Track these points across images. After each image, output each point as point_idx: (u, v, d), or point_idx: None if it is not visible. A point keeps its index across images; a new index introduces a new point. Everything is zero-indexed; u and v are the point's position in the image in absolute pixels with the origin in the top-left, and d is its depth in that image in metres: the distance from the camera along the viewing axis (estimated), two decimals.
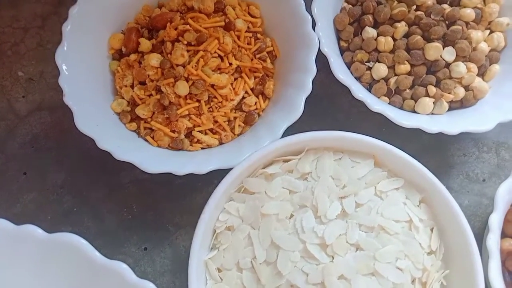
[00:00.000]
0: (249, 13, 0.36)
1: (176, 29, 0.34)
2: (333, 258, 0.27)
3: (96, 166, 0.38)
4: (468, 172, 0.39)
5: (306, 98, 0.32)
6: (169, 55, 0.33)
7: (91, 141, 0.31)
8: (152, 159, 0.31)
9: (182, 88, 0.32)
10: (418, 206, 0.30)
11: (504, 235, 0.33)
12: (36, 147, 0.39)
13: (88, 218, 0.37)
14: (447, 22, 0.36)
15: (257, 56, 0.35)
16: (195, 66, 0.33)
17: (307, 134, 0.30)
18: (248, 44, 0.35)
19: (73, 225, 0.37)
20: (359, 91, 0.32)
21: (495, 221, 0.31)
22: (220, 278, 0.29)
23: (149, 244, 0.37)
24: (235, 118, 0.35)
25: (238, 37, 0.35)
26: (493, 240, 0.30)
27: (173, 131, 0.33)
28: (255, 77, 0.35)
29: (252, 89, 0.35)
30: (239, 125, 0.35)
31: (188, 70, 0.33)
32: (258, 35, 0.36)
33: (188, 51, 0.33)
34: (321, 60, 0.34)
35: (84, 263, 0.22)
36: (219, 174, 0.30)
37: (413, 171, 0.30)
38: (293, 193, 0.30)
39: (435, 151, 0.39)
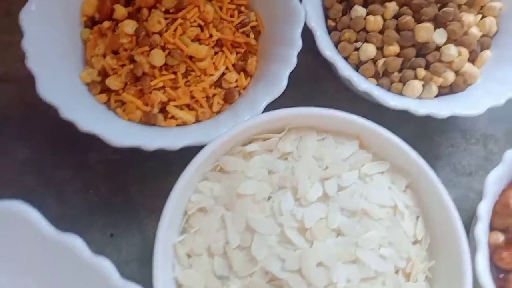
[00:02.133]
0: None
1: None
2: (312, 243, 0.25)
3: (63, 145, 0.35)
4: (455, 164, 0.38)
5: (290, 81, 0.30)
6: (145, 23, 0.31)
7: (58, 118, 0.28)
8: (121, 131, 0.29)
9: (158, 57, 0.30)
10: (404, 191, 0.28)
11: (491, 228, 0.31)
12: None
13: (51, 199, 0.34)
14: (438, 4, 0.34)
15: (240, 30, 0.33)
16: (173, 34, 0.30)
17: (290, 110, 0.28)
18: (231, 16, 0.33)
19: (34, 205, 0.34)
20: (345, 69, 0.31)
21: (484, 210, 0.29)
22: (190, 264, 0.26)
23: (116, 230, 0.34)
24: (214, 94, 0.33)
25: (220, 8, 0.33)
26: (481, 229, 0.28)
27: (146, 104, 0.31)
28: (237, 53, 0.33)
29: (233, 65, 0.33)
30: (218, 102, 0.32)
31: (164, 38, 0.30)
32: (242, 8, 0.34)
33: (166, 19, 0.31)
34: (308, 41, 0.32)
35: (32, 235, 0.20)
36: (194, 156, 0.28)
37: (399, 154, 0.28)
38: (272, 173, 0.27)
39: (422, 141, 0.37)
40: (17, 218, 0.19)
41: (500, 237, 0.30)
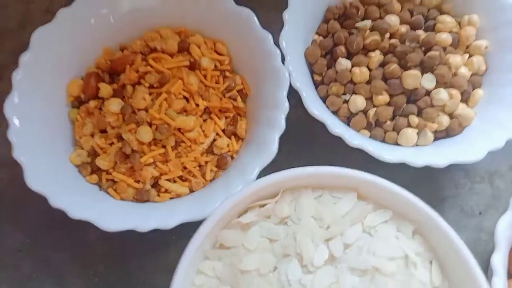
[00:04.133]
0: (215, 51, 0.34)
1: (137, 71, 0.31)
2: None
3: (59, 225, 0.34)
4: (463, 206, 0.36)
5: (284, 137, 0.30)
6: (130, 100, 0.31)
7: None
8: (113, 214, 0.28)
9: (145, 134, 0.30)
10: (412, 238, 0.27)
11: (510, 275, 0.30)
12: None
13: (50, 285, 0.33)
14: (423, 48, 0.34)
15: (227, 95, 0.33)
16: (159, 109, 0.30)
17: (280, 173, 0.27)
18: (216, 83, 0.33)
19: None
20: (335, 126, 0.30)
21: (499, 261, 0.28)
22: None
23: None
24: (206, 162, 0.32)
25: (205, 76, 0.32)
26: (499, 284, 0.27)
27: (138, 182, 0.30)
28: (226, 117, 0.33)
29: (223, 130, 0.33)
30: (211, 170, 0.32)
31: (150, 114, 0.30)
32: (227, 73, 0.34)
33: (150, 94, 0.31)
34: (297, 95, 0.31)
35: None
36: (193, 225, 0.27)
37: (401, 202, 0.27)
38: (274, 242, 0.26)
39: (425, 184, 0.36)
40: None
41: None
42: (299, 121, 0.37)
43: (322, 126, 0.38)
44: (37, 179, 0.28)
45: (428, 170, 0.38)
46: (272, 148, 0.29)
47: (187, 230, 0.30)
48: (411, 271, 0.25)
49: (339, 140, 0.37)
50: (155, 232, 0.34)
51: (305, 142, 0.38)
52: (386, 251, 0.26)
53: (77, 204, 0.28)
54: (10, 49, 0.42)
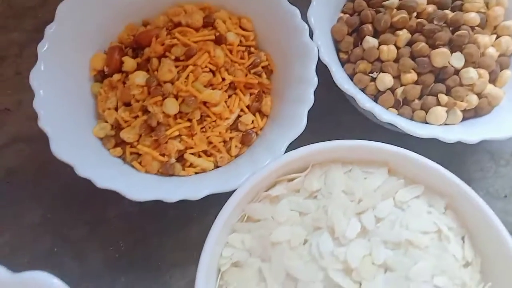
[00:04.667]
0: (240, 27, 0.34)
1: (163, 44, 0.31)
2: (360, 284, 0.23)
3: (78, 201, 0.34)
4: (488, 188, 0.36)
5: (308, 116, 0.29)
6: (155, 72, 0.30)
7: (72, 174, 0.27)
8: (139, 185, 0.28)
9: (171, 106, 0.29)
10: (444, 213, 0.26)
11: None
12: (11, 182, 0.35)
13: (70, 259, 0.33)
14: (451, 28, 0.33)
15: (252, 71, 0.33)
16: (185, 81, 0.30)
17: (311, 146, 0.27)
18: (241, 58, 0.33)
19: (53, 268, 0.32)
20: (366, 101, 0.30)
21: None
22: None
23: (139, 286, 0.32)
24: (231, 138, 0.32)
25: (231, 51, 0.32)
26: None
27: (163, 155, 0.30)
28: (250, 94, 0.33)
29: (248, 107, 0.32)
30: (235, 146, 0.31)
31: (177, 86, 0.30)
32: (252, 49, 0.33)
33: (176, 66, 0.30)
34: (321, 75, 0.31)
35: None
36: (216, 203, 0.26)
37: (434, 177, 0.26)
38: (304, 215, 0.26)
39: (449, 167, 0.36)
40: None
41: None
42: (322, 101, 0.36)
43: (345, 107, 0.38)
44: (63, 149, 0.28)
45: (453, 154, 0.37)
46: (301, 123, 0.29)
47: (209, 207, 0.30)
48: (445, 245, 0.25)
49: (362, 120, 0.37)
50: (176, 209, 0.34)
51: (328, 122, 0.37)
52: (419, 225, 0.25)
53: (103, 174, 0.27)
54: (30, 28, 0.42)
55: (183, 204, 0.33)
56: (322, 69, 0.31)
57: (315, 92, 0.30)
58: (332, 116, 0.37)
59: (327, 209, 0.25)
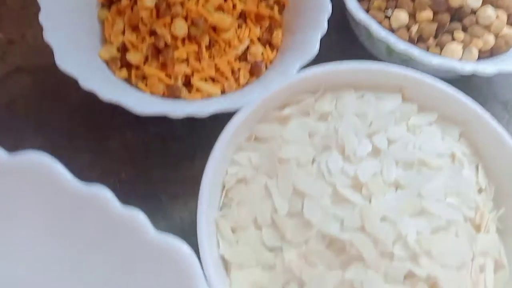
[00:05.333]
0: None
1: None
2: (370, 199, 0.22)
3: (80, 131, 0.33)
4: None
5: (315, 59, 0.28)
6: None
7: (75, 103, 0.26)
8: (144, 100, 0.27)
9: (180, 26, 0.29)
10: (458, 141, 0.26)
11: None
12: (13, 110, 0.34)
13: None
14: None
15: (264, 2, 0.32)
16: (196, 3, 0.29)
17: (325, 66, 0.26)
18: None
19: None
20: (380, 30, 0.29)
21: None
22: (236, 239, 0.23)
23: None
24: (239, 68, 0.31)
25: None
26: None
27: (169, 77, 0.29)
28: (261, 26, 0.32)
29: (258, 39, 0.31)
30: (244, 76, 0.30)
31: (187, 7, 0.29)
32: None
33: None
34: (332, 19, 0.30)
35: (55, 190, 0.17)
36: (220, 139, 0.25)
37: (448, 101, 0.26)
38: (314, 135, 0.25)
39: None
40: (37, 172, 0.17)
41: None
42: (334, 47, 0.35)
43: (356, 50, 0.37)
44: (67, 61, 0.27)
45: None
46: (313, 47, 0.28)
47: (213, 143, 0.29)
48: (459, 169, 0.24)
49: (377, 46, 0.35)
50: (179, 143, 0.33)
51: (342, 49, 0.36)
52: (433, 147, 0.24)
53: (107, 88, 0.26)
54: None
55: (186, 139, 0.32)
56: (335, 15, 0.30)
57: (324, 37, 0.29)
58: (345, 46, 0.36)
59: (338, 129, 0.25)
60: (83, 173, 0.32)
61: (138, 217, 0.17)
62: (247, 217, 0.23)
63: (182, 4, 0.29)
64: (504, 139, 0.24)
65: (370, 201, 0.22)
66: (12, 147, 0.33)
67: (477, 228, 0.23)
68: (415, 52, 0.28)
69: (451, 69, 0.28)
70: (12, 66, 0.36)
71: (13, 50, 0.37)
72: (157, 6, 0.30)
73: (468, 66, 0.28)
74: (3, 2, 0.39)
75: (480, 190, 0.24)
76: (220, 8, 0.30)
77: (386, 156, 0.24)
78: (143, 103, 0.26)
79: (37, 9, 0.38)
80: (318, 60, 0.29)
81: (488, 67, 0.28)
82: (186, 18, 0.29)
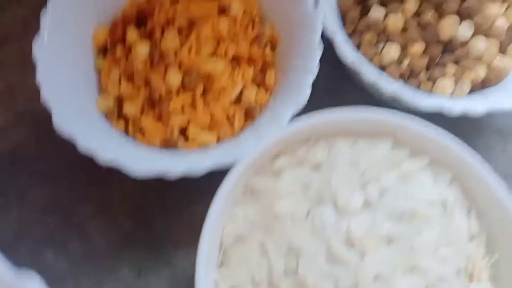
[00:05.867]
0: None
1: (167, 14, 0.31)
2: (364, 255, 0.23)
3: (82, 181, 0.34)
4: (495, 167, 0.35)
5: (312, 95, 0.29)
6: (159, 43, 0.30)
7: (76, 154, 0.27)
8: (141, 159, 0.27)
9: (174, 76, 0.29)
10: (449, 186, 0.26)
11: None
12: (15, 160, 0.35)
13: (74, 239, 0.33)
14: None
15: (256, 43, 0.32)
16: (189, 52, 0.30)
17: (317, 115, 0.26)
18: (245, 30, 0.32)
19: (57, 248, 0.32)
20: (371, 73, 0.29)
21: None
22: None
23: (143, 266, 0.32)
24: (234, 113, 0.31)
25: (234, 22, 0.32)
26: None
27: (165, 128, 0.30)
28: (254, 67, 0.32)
29: (251, 80, 0.32)
30: (239, 120, 0.31)
31: (180, 56, 0.29)
32: (256, 20, 0.33)
33: (180, 37, 0.30)
34: (324, 52, 0.30)
35: None
36: (219, 182, 0.26)
37: (439, 146, 0.26)
38: (307, 187, 0.26)
39: None
40: None
41: None
42: (327, 80, 0.35)
43: (347, 83, 0.37)
44: (65, 122, 0.27)
45: (459, 133, 0.36)
46: (305, 92, 0.28)
47: (211, 188, 0.29)
48: (450, 216, 0.24)
49: (368, 98, 0.36)
50: (179, 189, 0.34)
51: (333, 102, 0.36)
52: (424, 195, 0.25)
53: (105, 147, 0.27)
54: (34, 4, 0.41)
55: (185, 186, 0.33)
56: (327, 47, 0.31)
57: (320, 71, 0.30)
58: (335, 96, 0.36)
59: (331, 180, 0.25)
60: (85, 225, 0.33)
61: None
62: (245, 276, 0.24)
63: (175, 53, 0.30)
64: (491, 184, 0.25)
65: (363, 258, 0.23)
66: (17, 199, 0.34)
67: (470, 278, 0.23)
68: (405, 94, 0.29)
69: (440, 110, 0.28)
70: (14, 114, 0.37)
71: (14, 97, 0.37)
72: (151, 56, 0.30)
73: (458, 107, 0.28)
74: (2, 48, 0.39)
75: (472, 237, 0.25)
76: (212, 54, 0.30)
77: (378, 208, 0.24)
78: (140, 162, 0.27)
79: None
80: (312, 99, 0.29)
81: (478, 106, 0.28)
82: (179, 67, 0.30)
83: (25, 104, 0.37)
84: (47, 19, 0.30)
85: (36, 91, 0.39)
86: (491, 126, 0.36)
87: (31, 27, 0.39)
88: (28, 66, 0.39)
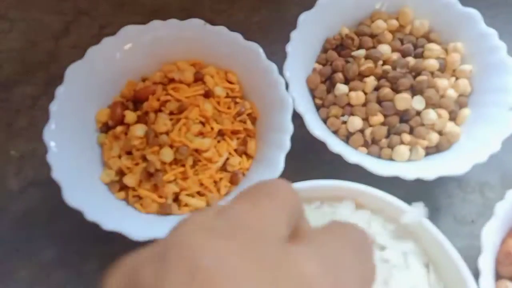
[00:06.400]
0: (227, 80, 0.38)
1: (158, 100, 0.36)
2: None
3: (88, 238, 0.38)
4: (455, 214, 0.39)
5: (290, 155, 0.34)
6: (153, 125, 0.35)
7: (82, 215, 0.31)
8: (140, 226, 0.32)
9: (167, 154, 0.34)
10: (408, 241, 0.30)
11: (498, 276, 0.33)
12: (30, 220, 0.39)
13: None
14: (413, 73, 0.38)
15: (238, 119, 0.37)
16: (178, 133, 0.34)
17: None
18: (228, 108, 0.37)
19: None
20: (335, 145, 0.34)
21: (485, 263, 0.31)
22: None
23: None
24: (220, 179, 0.36)
25: (218, 103, 0.37)
26: (484, 284, 0.30)
27: (161, 197, 0.34)
28: (237, 138, 0.37)
29: (235, 150, 0.37)
30: (225, 186, 0.36)
31: (171, 137, 0.34)
32: (237, 100, 0.38)
33: (171, 119, 0.35)
34: (301, 117, 0.35)
35: None
36: None
37: (395, 210, 0.30)
38: None
39: (420, 195, 0.39)
40: None
41: (508, 285, 0.32)
42: (304, 140, 0.40)
43: (324, 144, 0.42)
44: (73, 196, 0.32)
45: (423, 182, 0.41)
46: (278, 167, 0.33)
47: None
48: (408, 267, 0.28)
49: (339, 156, 0.41)
50: None
51: (309, 159, 0.41)
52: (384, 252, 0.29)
53: (108, 218, 0.31)
54: (42, 81, 0.46)
55: None
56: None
57: (297, 132, 0.34)
58: (313, 154, 0.41)
59: None
60: (94, 278, 0.37)
61: None
62: None
63: (167, 133, 0.35)
64: (443, 245, 0.28)
65: None
66: (27, 258, 0.38)
67: None
68: (366, 164, 0.33)
69: (397, 176, 0.33)
70: (26, 181, 0.41)
71: (26, 165, 0.42)
72: (146, 135, 0.35)
73: (411, 174, 0.33)
74: (15, 120, 0.44)
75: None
76: (200, 132, 0.35)
77: None
78: (138, 229, 0.31)
79: (44, 124, 0.43)
80: (291, 153, 0.34)
81: (429, 174, 0.33)
82: (171, 146, 0.35)
83: (36, 172, 0.42)
84: (54, 108, 0.34)
85: (45, 160, 0.43)
86: (451, 178, 0.41)
87: (40, 102, 0.45)
88: (38, 138, 0.44)
